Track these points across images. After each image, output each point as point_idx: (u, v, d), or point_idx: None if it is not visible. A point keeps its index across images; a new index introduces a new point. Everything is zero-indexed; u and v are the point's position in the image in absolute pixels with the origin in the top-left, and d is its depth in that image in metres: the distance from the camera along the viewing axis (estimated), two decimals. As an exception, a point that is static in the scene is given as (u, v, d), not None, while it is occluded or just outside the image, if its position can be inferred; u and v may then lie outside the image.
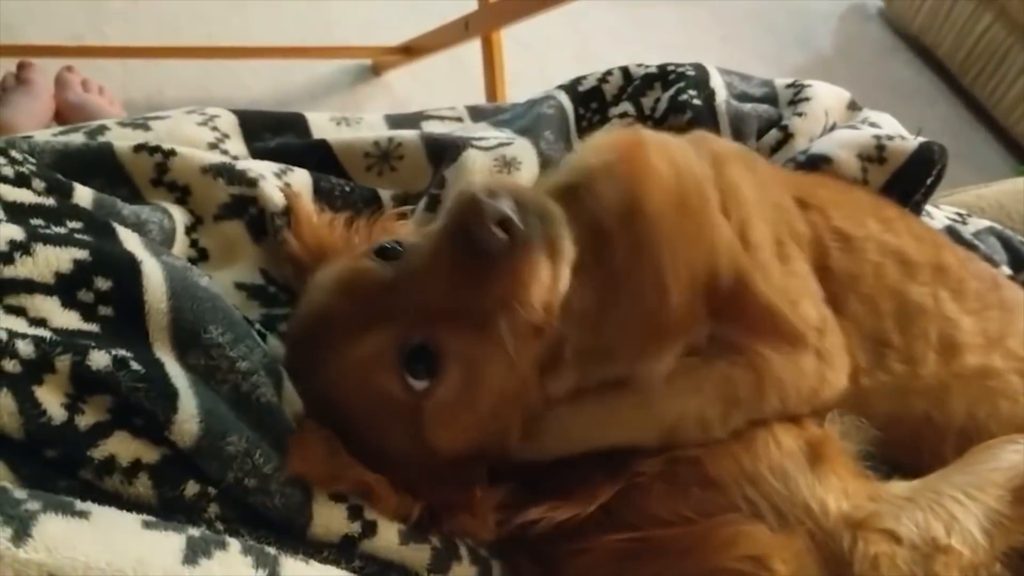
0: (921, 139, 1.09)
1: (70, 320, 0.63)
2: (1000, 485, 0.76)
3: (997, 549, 0.73)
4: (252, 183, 0.89)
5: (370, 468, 0.69)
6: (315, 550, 0.64)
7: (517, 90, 1.98)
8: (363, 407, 0.70)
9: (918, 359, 0.86)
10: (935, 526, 0.72)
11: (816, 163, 1.07)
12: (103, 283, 0.65)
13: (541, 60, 2.48)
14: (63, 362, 0.59)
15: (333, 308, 0.71)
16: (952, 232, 1.15)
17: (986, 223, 1.23)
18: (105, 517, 0.55)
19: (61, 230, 0.69)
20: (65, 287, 0.64)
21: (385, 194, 1.02)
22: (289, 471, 0.64)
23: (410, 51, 2.24)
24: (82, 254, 0.66)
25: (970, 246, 1.12)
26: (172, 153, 0.88)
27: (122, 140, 0.89)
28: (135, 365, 0.61)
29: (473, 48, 2.14)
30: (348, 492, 0.68)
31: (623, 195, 0.73)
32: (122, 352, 0.62)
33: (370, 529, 0.67)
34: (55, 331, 0.62)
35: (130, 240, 0.71)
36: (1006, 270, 1.13)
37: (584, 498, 0.71)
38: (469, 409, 0.70)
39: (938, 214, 1.20)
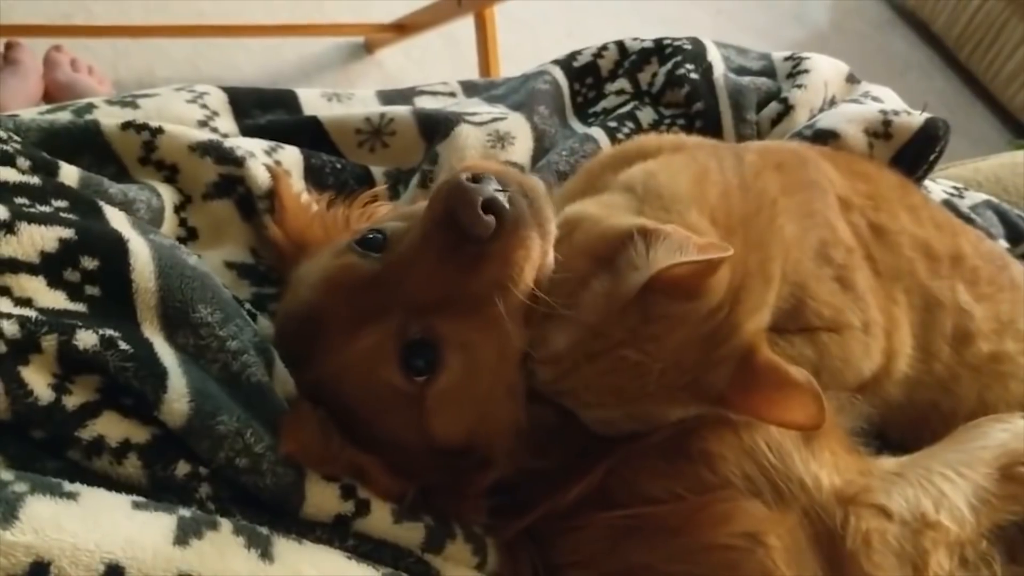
0: (926, 115, 1.08)
1: (56, 300, 0.62)
2: (988, 463, 0.76)
3: (983, 526, 0.74)
4: (239, 162, 0.88)
5: (364, 451, 0.68)
6: (308, 530, 0.64)
7: (511, 66, 1.96)
8: (359, 399, 0.69)
9: (934, 353, 0.86)
10: (925, 502, 0.72)
11: (824, 138, 1.06)
12: (90, 262, 0.64)
13: (535, 35, 2.46)
14: (49, 342, 0.58)
15: (322, 307, 0.70)
16: (949, 206, 1.14)
17: (983, 197, 1.22)
18: (94, 498, 0.55)
19: (46, 209, 0.67)
20: (51, 266, 0.63)
21: (377, 171, 1.01)
22: (281, 452, 0.64)
23: (402, 28, 2.22)
24: (68, 233, 0.65)
25: (967, 220, 1.11)
26: (160, 131, 0.86)
27: (109, 118, 0.87)
28: (123, 344, 0.60)
29: (466, 24, 2.12)
30: (341, 474, 0.67)
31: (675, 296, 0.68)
32: (110, 332, 0.61)
33: (363, 508, 0.66)
34: (41, 311, 0.61)
35: (117, 219, 0.70)
36: (1003, 243, 1.13)
37: (577, 480, 0.71)
38: (468, 395, 0.69)
39: (935, 188, 1.19)
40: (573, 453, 0.73)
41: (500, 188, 0.66)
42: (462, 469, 0.72)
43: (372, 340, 0.67)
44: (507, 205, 0.66)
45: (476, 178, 0.65)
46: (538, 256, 0.68)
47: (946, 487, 0.73)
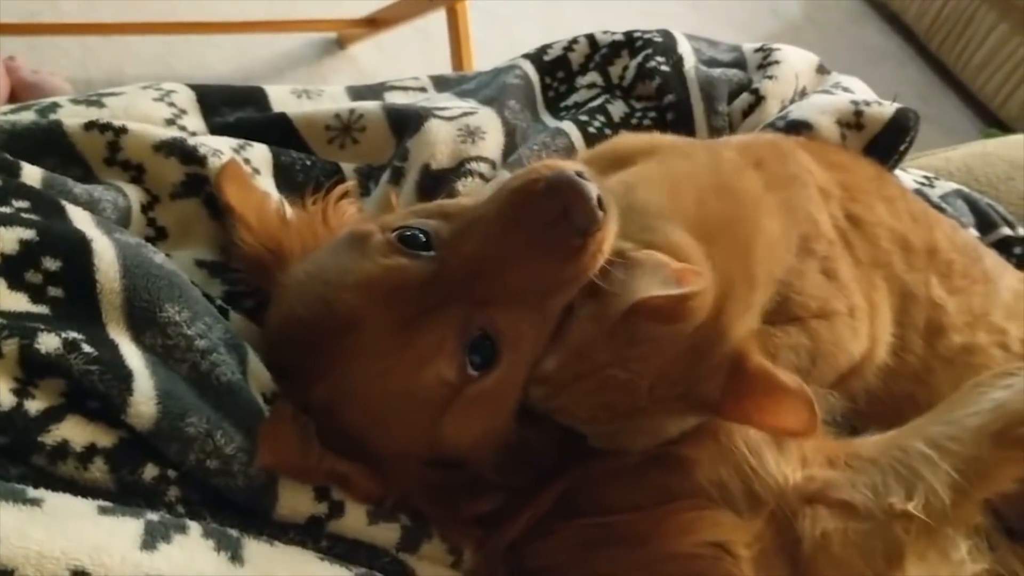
0: (897, 105, 1.09)
1: (18, 302, 0.61)
2: (978, 430, 0.72)
3: (977, 498, 0.71)
4: (202, 161, 0.86)
5: (345, 458, 0.67)
6: (280, 531, 0.63)
7: (485, 60, 1.94)
8: (380, 406, 0.67)
9: (906, 346, 0.87)
10: (894, 489, 0.70)
11: (797, 129, 1.06)
12: (52, 263, 0.63)
13: (508, 29, 2.45)
14: (10, 346, 0.57)
15: (362, 312, 0.66)
16: (920, 195, 1.15)
17: (953, 186, 1.23)
18: (59, 504, 0.54)
19: (6, 209, 0.66)
20: (11, 268, 0.62)
21: (347, 167, 0.99)
22: (260, 463, 0.63)
23: (375, 23, 2.21)
24: (29, 234, 0.63)
25: (938, 209, 1.12)
26: (123, 131, 0.84)
27: (73, 118, 0.86)
28: (87, 347, 0.59)
29: (439, 18, 2.11)
30: (321, 482, 0.66)
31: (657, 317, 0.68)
32: (73, 334, 0.60)
33: (337, 509, 0.66)
34: (2, 314, 0.60)
35: (80, 218, 0.69)
36: (973, 232, 1.13)
37: (545, 496, 0.71)
38: (500, 393, 0.69)
39: (906, 178, 1.19)
40: (542, 469, 0.73)
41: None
42: (452, 489, 0.71)
43: (433, 338, 0.65)
44: (607, 200, 0.67)
45: (580, 173, 0.66)
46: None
47: (924, 468, 0.71)
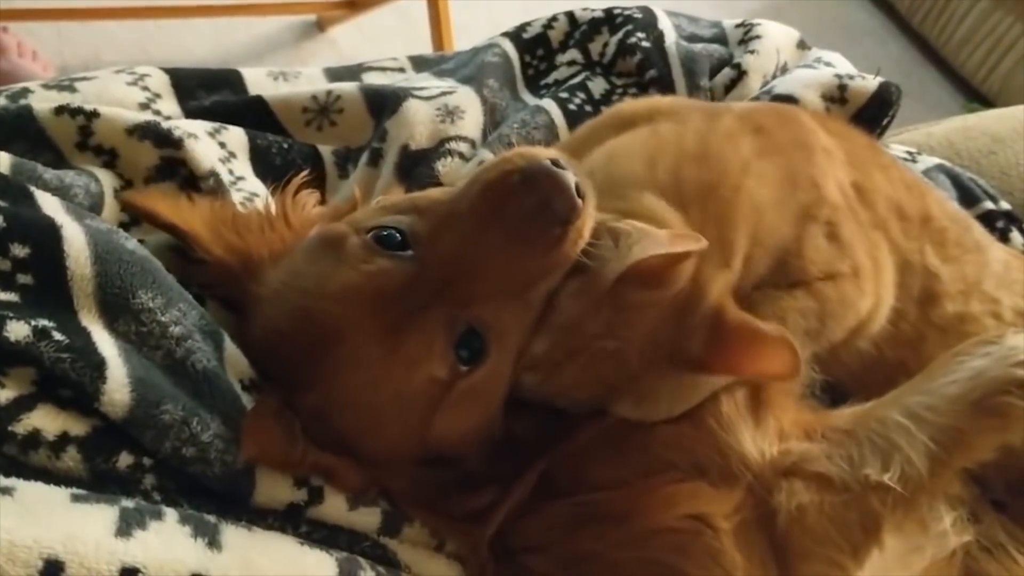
0: (880, 79, 1.09)
1: (-15, 290, 0.60)
2: (956, 399, 0.71)
3: (954, 467, 0.70)
4: (177, 144, 0.85)
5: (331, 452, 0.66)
6: (259, 517, 0.63)
7: (465, 41, 1.93)
8: (370, 410, 0.66)
9: (901, 313, 0.86)
10: (870, 461, 0.69)
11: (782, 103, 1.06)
12: (20, 250, 0.62)
13: (489, 10, 2.43)
14: None
15: (347, 321, 0.65)
16: (902, 170, 1.15)
17: (936, 161, 1.23)
18: (31, 492, 0.53)
19: (-28, 196, 0.65)
20: None
21: (325, 149, 0.99)
22: (243, 457, 0.62)
23: (355, 5, 2.19)
24: None
25: (921, 184, 1.12)
26: (95, 115, 0.83)
27: (44, 103, 0.84)
28: (57, 335, 0.59)
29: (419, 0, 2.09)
30: (306, 475, 0.65)
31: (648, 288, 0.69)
32: (43, 322, 0.59)
33: (317, 496, 0.65)
34: (-32, 302, 0.59)
35: (50, 204, 0.68)
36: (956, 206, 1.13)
37: (524, 482, 0.71)
38: (489, 386, 0.69)
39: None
40: (526, 456, 0.72)
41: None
42: (442, 486, 0.70)
43: (422, 340, 0.65)
44: (584, 188, 0.67)
45: (557, 163, 0.66)
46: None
47: (901, 439, 0.69)
